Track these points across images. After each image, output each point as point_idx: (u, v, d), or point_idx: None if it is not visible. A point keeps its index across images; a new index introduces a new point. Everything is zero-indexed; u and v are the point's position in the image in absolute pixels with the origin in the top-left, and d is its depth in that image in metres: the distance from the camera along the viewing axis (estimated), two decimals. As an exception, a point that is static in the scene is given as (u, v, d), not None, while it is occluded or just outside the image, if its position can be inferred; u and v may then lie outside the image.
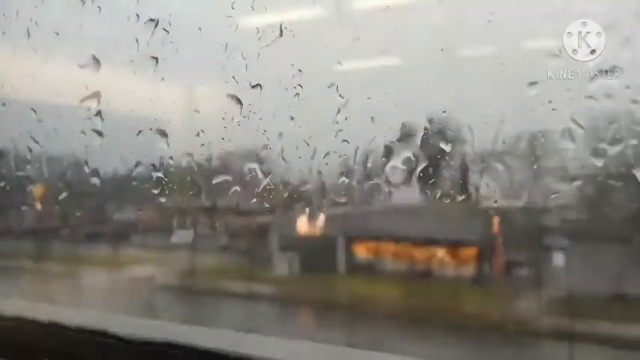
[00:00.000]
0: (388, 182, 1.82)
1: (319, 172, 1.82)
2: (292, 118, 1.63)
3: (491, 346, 6.66)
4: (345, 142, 1.64)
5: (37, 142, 2.00)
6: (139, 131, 1.83)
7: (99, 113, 1.80)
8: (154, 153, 1.85)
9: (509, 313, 7.07)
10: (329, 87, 1.59)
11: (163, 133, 1.82)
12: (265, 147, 1.71)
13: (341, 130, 1.61)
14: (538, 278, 7.19)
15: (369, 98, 1.60)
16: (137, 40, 1.69)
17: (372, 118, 1.64)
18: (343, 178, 1.82)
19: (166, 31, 1.69)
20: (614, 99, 1.40)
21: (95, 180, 1.94)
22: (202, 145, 1.84)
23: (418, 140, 1.69)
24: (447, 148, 1.67)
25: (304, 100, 1.59)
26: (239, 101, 1.68)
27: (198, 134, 1.82)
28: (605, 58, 1.34)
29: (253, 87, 1.63)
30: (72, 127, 1.89)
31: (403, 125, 1.71)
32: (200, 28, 1.68)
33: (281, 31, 1.54)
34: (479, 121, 1.62)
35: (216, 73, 1.72)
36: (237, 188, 1.91)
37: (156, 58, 1.71)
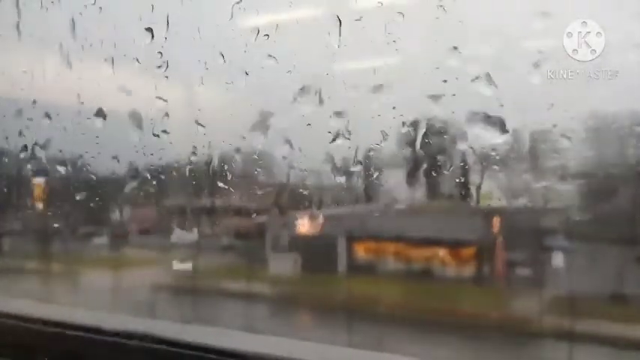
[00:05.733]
0: (389, 182, 1.82)
1: (318, 173, 1.82)
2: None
3: (493, 344, 6.66)
4: (345, 142, 1.64)
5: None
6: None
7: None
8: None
9: (510, 312, 7.08)
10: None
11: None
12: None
13: (339, 130, 1.61)
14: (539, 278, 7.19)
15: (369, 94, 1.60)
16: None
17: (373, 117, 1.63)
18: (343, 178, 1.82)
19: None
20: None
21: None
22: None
23: (419, 140, 1.69)
24: (447, 148, 1.67)
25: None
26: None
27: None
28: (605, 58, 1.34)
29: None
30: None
31: (405, 125, 1.71)
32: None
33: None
34: (479, 121, 1.62)
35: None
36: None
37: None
